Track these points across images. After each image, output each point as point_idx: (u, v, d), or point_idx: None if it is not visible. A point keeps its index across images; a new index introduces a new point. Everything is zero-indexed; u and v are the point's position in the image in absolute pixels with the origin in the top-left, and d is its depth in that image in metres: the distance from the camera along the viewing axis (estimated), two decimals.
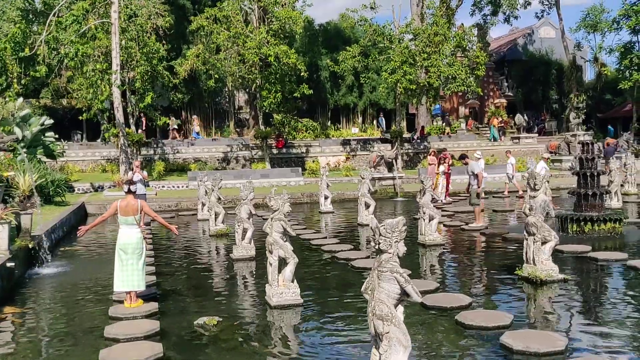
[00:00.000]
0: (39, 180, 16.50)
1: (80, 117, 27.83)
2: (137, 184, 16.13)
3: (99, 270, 11.05)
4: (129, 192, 8.22)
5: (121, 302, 8.24)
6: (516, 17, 46.28)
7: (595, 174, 13.81)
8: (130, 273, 7.97)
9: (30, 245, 11.16)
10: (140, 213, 8.21)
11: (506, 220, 17.44)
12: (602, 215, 13.33)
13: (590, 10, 44.80)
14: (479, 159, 18.18)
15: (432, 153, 24.98)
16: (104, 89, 25.20)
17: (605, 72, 44.72)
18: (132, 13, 29.02)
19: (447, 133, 38.83)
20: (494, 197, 23.09)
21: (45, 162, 22.00)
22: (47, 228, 13.13)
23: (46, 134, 23.22)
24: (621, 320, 7.41)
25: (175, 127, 35.20)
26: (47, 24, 24.43)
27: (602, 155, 23.30)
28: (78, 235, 8.63)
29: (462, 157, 16.45)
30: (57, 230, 14.34)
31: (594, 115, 47.56)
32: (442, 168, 22.08)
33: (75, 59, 23.95)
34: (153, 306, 8.10)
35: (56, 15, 25.01)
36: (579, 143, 16.78)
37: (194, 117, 37.39)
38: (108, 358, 6.25)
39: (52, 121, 23.78)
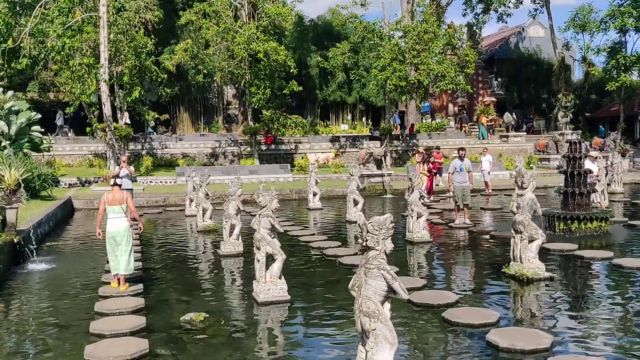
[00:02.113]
0: (25, 174, 16.36)
1: (66, 111, 27.59)
2: (124, 179, 16.13)
3: (85, 266, 10.99)
4: (115, 184, 9.10)
5: (107, 297, 8.20)
6: (509, 15, 46.37)
7: (582, 172, 13.89)
8: (120, 259, 8.81)
9: (15, 240, 11.04)
10: (126, 203, 9.03)
11: (489, 218, 17.51)
12: (588, 213, 13.43)
13: (579, 10, 45.01)
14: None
15: (418, 151, 25.01)
16: (90, 83, 24.97)
17: (593, 72, 45.01)
18: (120, 6, 28.77)
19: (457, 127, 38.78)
20: (481, 194, 23.18)
21: (31, 156, 21.78)
22: (33, 223, 13.00)
23: (32, 128, 22.97)
24: (606, 318, 7.46)
25: (128, 121, 34.08)
26: (32, 16, 24.16)
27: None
28: (99, 237, 9.32)
29: (461, 149, 16.34)
30: (43, 225, 14.21)
31: (581, 114, 47.88)
32: (425, 167, 22.01)
33: (62, 52, 23.71)
34: (139, 302, 8.06)
35: (42, 7, 24.75)
36: (566, 142, 16.79)
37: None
38: (93, 354, 6.19)
39: (39, 115, 23.55)
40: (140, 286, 9.03)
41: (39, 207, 16.22)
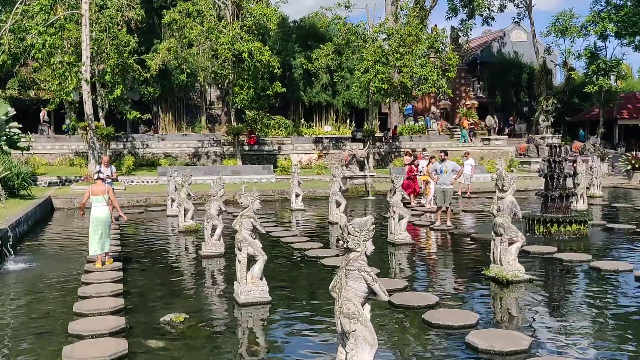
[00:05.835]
0: (3, 172, 16.15)
1: (47, 108, 27.28)
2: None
3: (64, 266, 10.87)
4: (99, 178, 10.66)
5: (86, 298, 8.14)
6: (493, 19, 46.70)
7: (562, 176, 14.05)
8: (99, 240, 10.14)
9: None
10: (108, 194, 10.48)
11: (470, 221, 17.63)
12: (568, 217, 13.58)
13: (560, 15, 45.57)
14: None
15: (407, 153, 25.09)
16: (71, 81, 24.71)
17: (574, 76, 45.56)
18: (102, 4, 28.53)
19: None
20: (463, 197, 23.33)
21: (10, 154, 21.46)
22: (12, 222, 12.83)
23: (10, 125, 22.62)
24: (584, 320, 7.55)
25: (47, 119, 32.95)
26: (13, 12, 23.86)
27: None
28: (81, 215, 11.02)
29: (443, 152, 16.39)
30: (21, 224, 14.03)
31: (562, 118, 48.45)
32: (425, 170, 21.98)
33: (43, 50, 23.44)
34: (119, 302, 7.99)
35: (23, 4, 24.46)
36: (547, 146, 16.96)
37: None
38: (71, 355, 6.11)
39: (14, 112, 23.21)
40: (120, 286, 8.95)
41: (18, 206, 16.01)
